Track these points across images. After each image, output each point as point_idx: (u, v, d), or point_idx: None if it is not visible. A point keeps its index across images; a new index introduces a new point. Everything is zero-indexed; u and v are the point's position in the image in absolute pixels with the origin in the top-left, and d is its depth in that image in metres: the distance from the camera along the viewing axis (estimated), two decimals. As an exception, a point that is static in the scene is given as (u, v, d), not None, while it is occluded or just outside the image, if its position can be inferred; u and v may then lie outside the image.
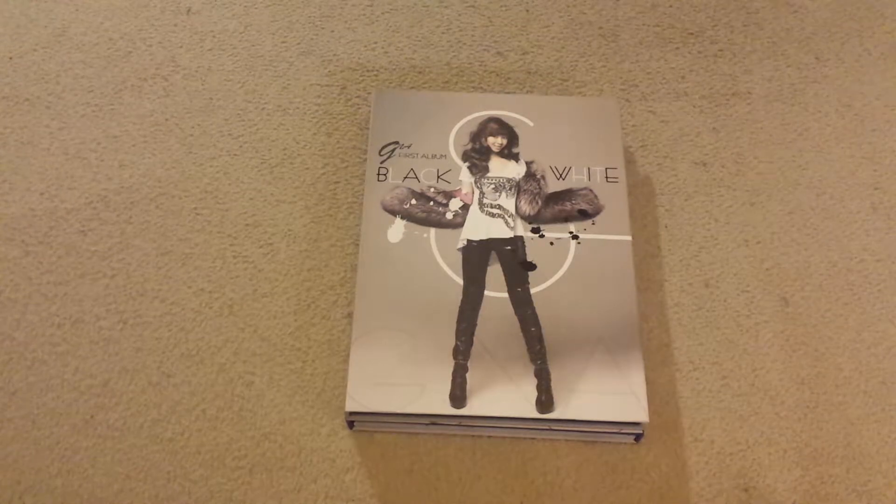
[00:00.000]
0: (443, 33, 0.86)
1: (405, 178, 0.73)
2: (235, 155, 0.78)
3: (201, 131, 0.80)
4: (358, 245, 0.71)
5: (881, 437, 0.67)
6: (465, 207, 0.72)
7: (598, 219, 0.71)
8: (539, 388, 0.64)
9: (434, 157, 0.74)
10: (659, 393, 0.68)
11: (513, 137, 0.75)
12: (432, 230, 0.71)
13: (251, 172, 0.78)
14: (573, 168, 0.74)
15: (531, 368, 0.65)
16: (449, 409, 0.64)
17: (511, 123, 0.76)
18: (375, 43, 0.85)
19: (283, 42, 0.85)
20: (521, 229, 0.71)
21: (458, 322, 0.67)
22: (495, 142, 0.75)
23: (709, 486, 0.65)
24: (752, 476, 0.66)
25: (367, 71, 0.84)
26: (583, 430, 0.65)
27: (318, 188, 0.77)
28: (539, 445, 0.66)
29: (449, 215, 0.71)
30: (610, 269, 0.69)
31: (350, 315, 0.70)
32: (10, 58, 0.83)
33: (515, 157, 0.74)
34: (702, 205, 0.77)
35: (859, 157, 0.80)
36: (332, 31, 0.86)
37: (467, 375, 0.65)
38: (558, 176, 0.73)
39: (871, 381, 0.69)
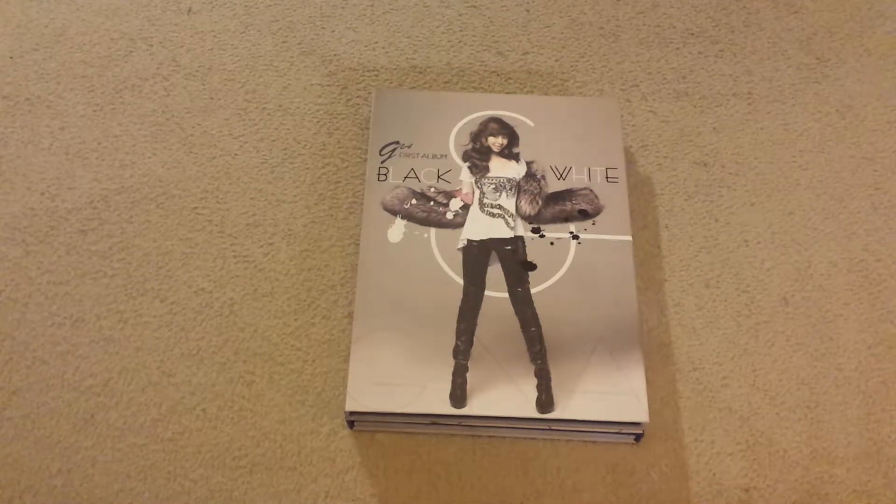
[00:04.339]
0: (443, 33, 0.86)
1: (405, 178, 0.73)
2: (236, 155, 0.78)
3: (201, 131, 0.80)
4: (358, 245, 0.71)
5: (881, 436, 0.67)
6: (466, 207, 0.72)
7: (598, 219, 0.71)
8: (539, 387, 0.64)
9: (434, 157, 0.74)
10: (659, 393, 0.68)
11: (513, 137, 0.75)
12: (432, 230, 0.71)
13: (251, 172, 0.78)
14: (573, 168, 0.74)
15: (531, 368, 0.65)
16: (449, 409, 0.64)
17: (511, 123, 0.76)
18: (376, 43, 0.85)
19: (284, 42, 0.85)
20: (522, 229, 0.71)
21: (458, 322, 0.67)
22: (496, 142, 0.75)
23: (709, 486, 0.65)
24: (752, 476, 0.66)
25: (368, 71, 0.84)
26: (583, 430, 0.65)
27: (318, 188, 0.77)
28: (539, 445, 0.66)
29: (449, 215, 0.71)
30: (610, 269, 0.69)
31: (350, 315, 0.70)
32: (11, 58, 0.83)
33: (516, 157, 0.74)
34: (702, 205, 0.77)
35: (859, 157, 0.80)
36: (333, 31, 0.86)
37: (467, 375, 0.65)
38: (558, 176, 0.73)
39: (871, 381, 0.69)
